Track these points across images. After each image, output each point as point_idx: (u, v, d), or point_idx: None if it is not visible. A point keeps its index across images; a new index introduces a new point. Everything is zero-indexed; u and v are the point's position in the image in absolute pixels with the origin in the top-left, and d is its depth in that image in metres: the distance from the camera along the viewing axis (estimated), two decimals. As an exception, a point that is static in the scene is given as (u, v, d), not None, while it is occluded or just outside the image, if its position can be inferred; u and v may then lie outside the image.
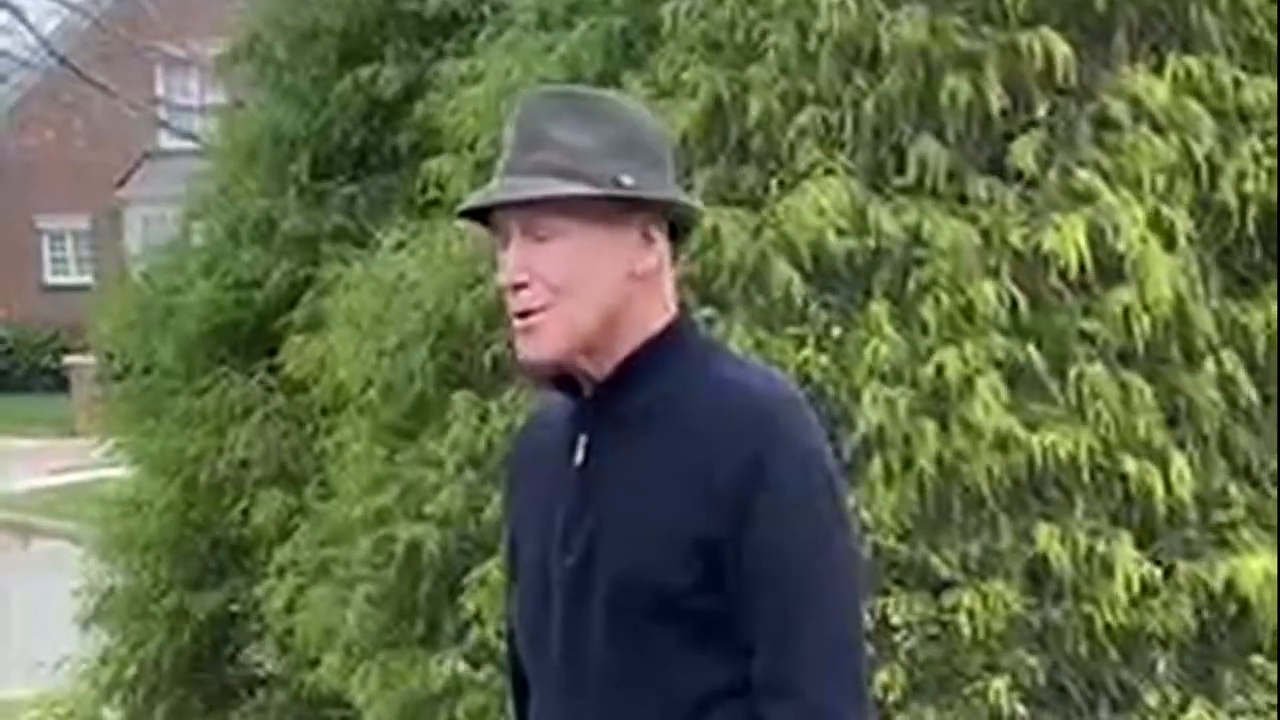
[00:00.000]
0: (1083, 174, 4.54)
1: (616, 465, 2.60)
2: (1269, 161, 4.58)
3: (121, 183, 34.45)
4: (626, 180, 2.55)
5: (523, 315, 2.57)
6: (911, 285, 4.53)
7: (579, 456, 2.62)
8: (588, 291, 2.55)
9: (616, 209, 2.56)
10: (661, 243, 2.60)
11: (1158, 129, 4.57)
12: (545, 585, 2.64)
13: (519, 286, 2.55)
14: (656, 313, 2.61)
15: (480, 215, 2.64)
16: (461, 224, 5.16)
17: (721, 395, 2.58)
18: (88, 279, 32.32)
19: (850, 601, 2.60)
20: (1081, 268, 4.46)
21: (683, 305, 2.68)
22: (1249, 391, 4.50)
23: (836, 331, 4.53)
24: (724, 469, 2.52)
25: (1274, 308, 4.55)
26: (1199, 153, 4.55)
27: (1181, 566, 4.40)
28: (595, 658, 2.59)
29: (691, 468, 2.54)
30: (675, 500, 2.54)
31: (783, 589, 2.53)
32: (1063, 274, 4.48)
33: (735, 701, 2.56)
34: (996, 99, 4.58)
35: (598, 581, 2.57)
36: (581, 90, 2.74)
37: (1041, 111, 4.62)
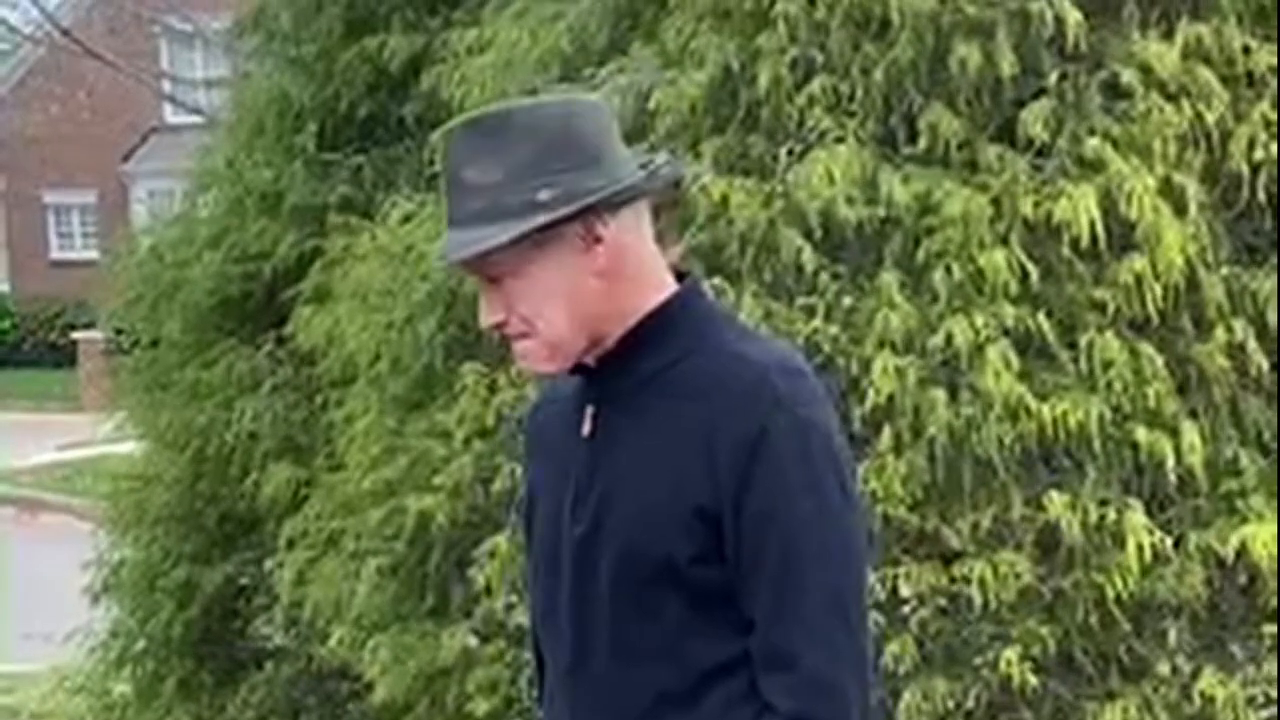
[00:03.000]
0: (1093, 142, 4.52)
1: (621, 436, 2.63)
2: (1278, 128, 4.56)
3: (127, 157, 34.45)
4: (543, 197, 2.56)
5: (511, 342, 2.66)
6: (922, 254, 4.52)
7: (586, 428, 2.66)
8: (556, 311, 2.60)
9: (546, 232, 2.58)
10: (613, 232, 2.60)
11: (1168, 96, 4.55)
12: (556, 556, 2.67)
13: (498, 326, 2.64)
14: (646, 292, 2.63)
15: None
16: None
17: (721, 364, 2.60)
18: (94, 254, 32.32)
19: (852, 573, 2.59)
20: (1092, 236, 4.44)
21: (684, 275, 2.68)
22: (1260, 360, 4.49)
23: (846, 301, 4.52)
24: (724, 438, 2.53)
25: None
26: (1210, 120, 4.53)
27: (1192, 535, 4.39)
28: (602, 627, 2.61)
29: (692, 436, 2.56)
30: (678, 469, 2.56)
31: (781, 559, 2.53)
32: (1073, 242, 4.46)
33: (742, 672, 2.56)
34: (1007, 66, 4.56)
35: (604, 550, 2.60)
36: (492, 111, 2.72)
37: (1052, 79, 4.60)
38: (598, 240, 2.60)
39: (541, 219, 2.56)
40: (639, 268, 2.63)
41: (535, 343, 2.62)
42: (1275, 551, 4.33)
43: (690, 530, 2.54)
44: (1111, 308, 4.46)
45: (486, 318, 2.65)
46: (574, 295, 2.60)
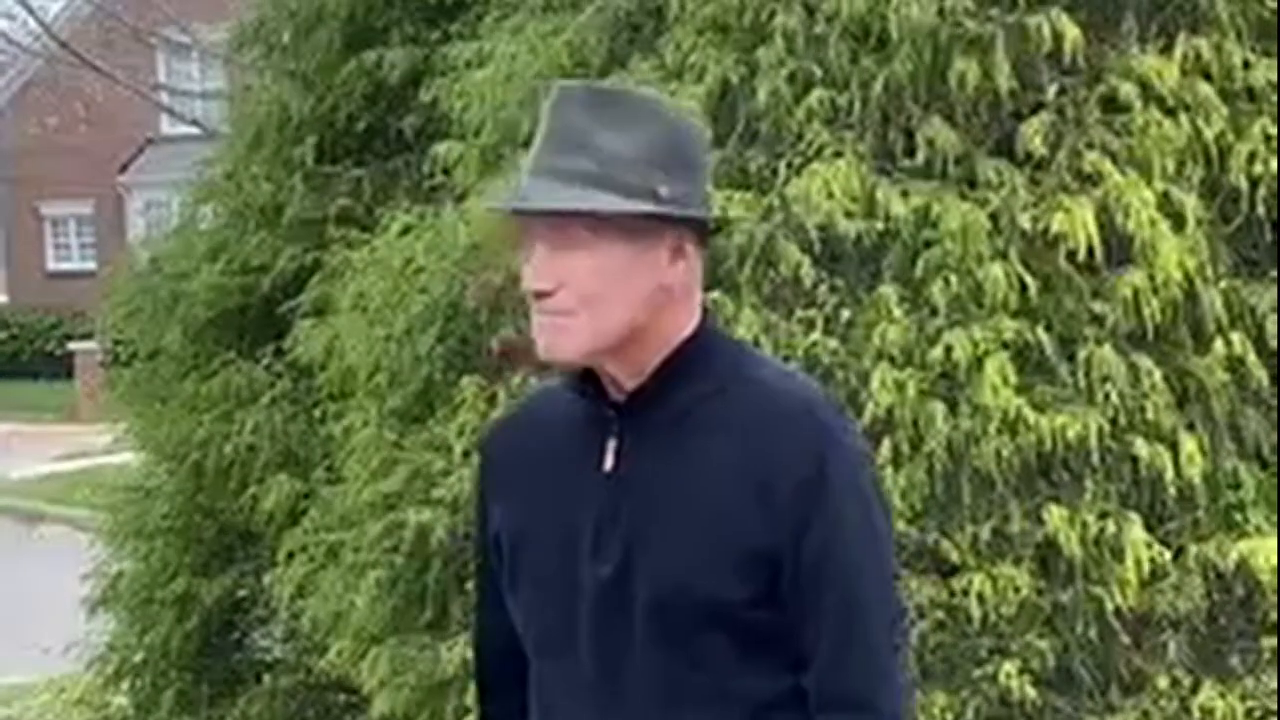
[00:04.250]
0: (1092, 156, 4.53)
1: (653, 472, 2.53)
2: (1277, 143, 4.56)
3: (124, 168, 34.46)
4: (663, 192, 2.50)
5: (543, 314, 2.52)
6: (920, 268, 4.52)
7: (608, 462, 2.55)
8: (614, 304, 2.50)
9: (648, 222, 2.50)
10: (693, 256, 2.55)
11: (1167, 111, 4.56)
12: (570, 595, 2.56)
13: (542, 295, 2.51)
14: (684, 319, 2.57)
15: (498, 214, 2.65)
16: (476, 207, 5.16)
17: (763, 399, 2.54)
18: (91, 265, 32.36)
19: (898, 605, 2.60)
20: (1090, 250, 4.45)
21: (706, 307, 2.64)
22: (1259, 373, 4.49)
23: (845, 314, 4.52)
24: (785, 477, 2.48)
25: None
26: (1208, 134, 4.54)
27: (1191, 549, 4.39)
28: (635, 669, 2.52)
29: (746, 475, 2.49)
30: (729, 508, 2.49)
31: (844, 598, 2.50)
32: (1071, 256, 4.47)
33: (791, 708, 2.52)
34: (1005, 81, 4.57)
35: (638, 592, 2.51)
36: (623, 89, 2.67)
37: (1050, 93, 4.61)
38: (681, 255, 2.54)
39: (655, 208, 2.49)
40: (689, 296, 2.57)
41: (577, 323, 2.50)
42: (1275, 565, 4.34)
43: (745, 573, 2.48)
44: (1110, 321, 4.46)
45: (534, 281, 2.51)
46: (638, 296, 2.51)
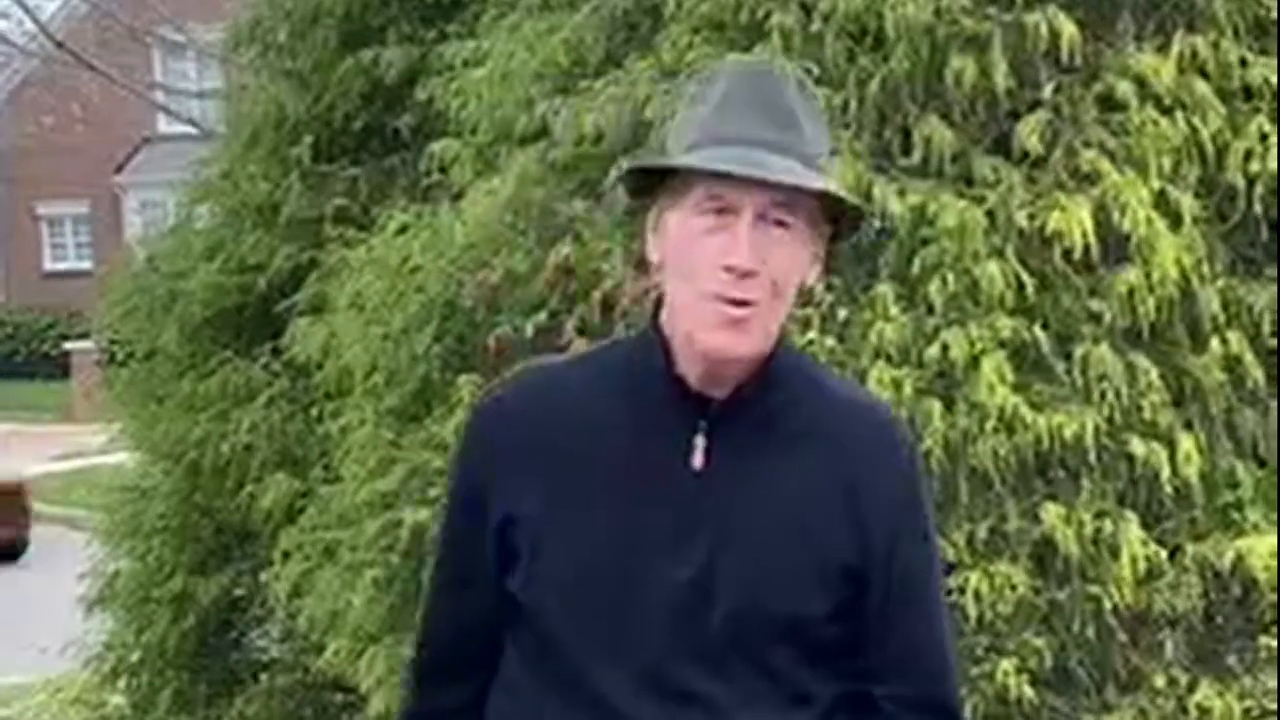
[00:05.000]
0: (1088, 154, 4.53)
1: (741, 475, 2.46)
2: (1275, 141, 4.56)
3: (120, 168, 34.46)
4: (832, 185, 2.44)
5: (737, 304, 2.39)
6: (917, 266, 4.52)
7: (697, 459, 2.45)
8: (788, 295, 2.43)
9: (821, 217, 2.43)
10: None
11: (1164, 109, 4.56)
12: (630, 593, 2.44)
13: (749, 274, 2.38)
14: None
15: (663, 172, 2.45)
16: (472, 205, 5.16)
17: (857, 416, 2.52)
18: (87, 265, 32.34)
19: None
20: (1087, 248, 4.45)
21: None
22: (1255, 372, 4.49)
23: (842, 313, 4.52)
24: (878, 494, 2.46)
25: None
26: (1205, 133, 4.54)
27: (1188, 547, 4.39)
28: (701, 675, 2.43)
29: (830, 490, 2.45)
30: (818, 523, 2.45)
31: (924, 613, 2.52)
32: (1068, 254, 4.47)
33: (845, 710, 2.51)
34: (1002, 79, 4.57)
35: (718, 596, 2.42)
36: (802, 77, 2.57)
37: (1047, 91, 4.61)
38: (818, 258, 2.48)
39: (852, 199, 2.45)
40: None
41: (760, 313, 2.38)
42: (1272, 564, 4.34)
43: (830, 588, 2.45)
44: (1107, 319, 4.46)
45: (746, 261, 2.35)
46: (795, 291, 2.44)
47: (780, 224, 2.39)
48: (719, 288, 2.38)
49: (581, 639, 2.46)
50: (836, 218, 2.47)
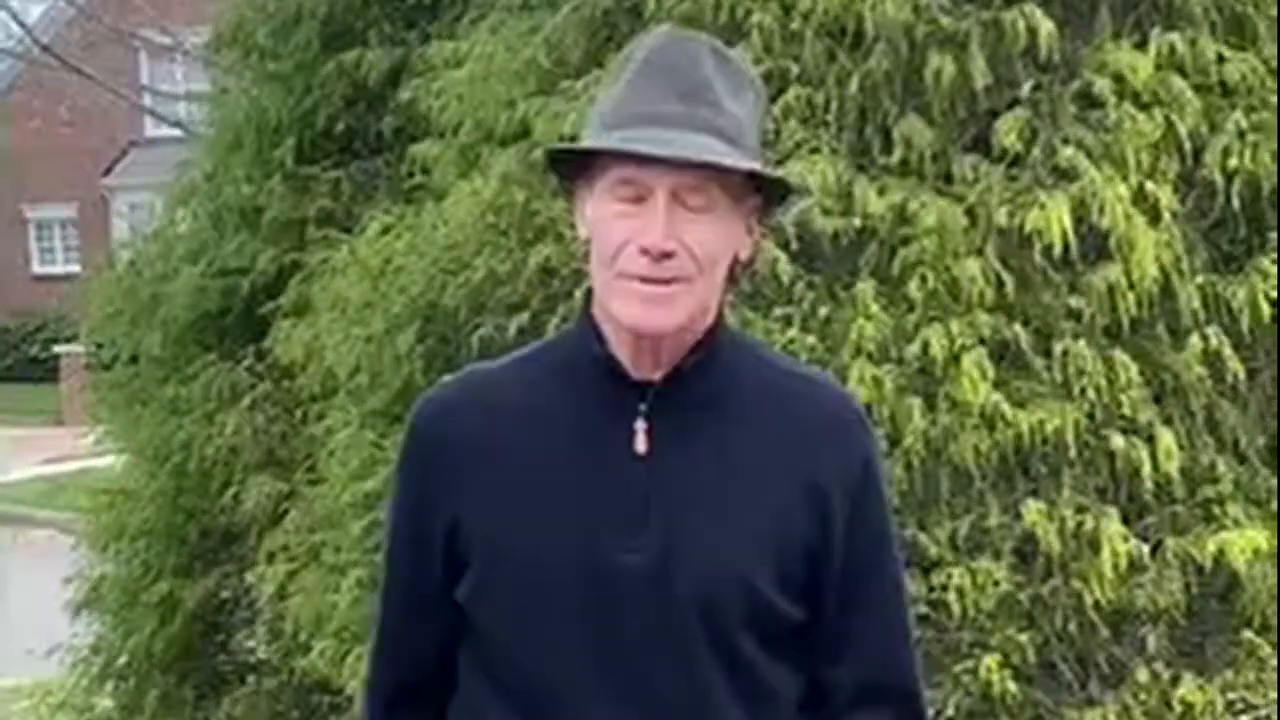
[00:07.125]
0: (1067, 151, 4.54)
1: (687, 458, 2.41)
2: (1253, 137, 4.57)
3: (107, 171, 34.41)
4: (759, 164, 2.40)
5: (657, 282, 2.35)
6: (897, 264, 4.53)
7: (640, 444, 2.40)
8: (716, 272, 2.38)
9: (746, 190, 2.39)
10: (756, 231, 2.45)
11: (1142, 105, 4.57)
12: (586, 584, 2.38)
13: (666, 255, 2.33)
14: (722, 301, 2.45)
15: (575, 155, 2.41)
16: (454, 206, 5.16)
17: (806, 389, 2.48)
18: (75, 268, 32.27)
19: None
20: (1066, 245, 4.46)
21: None
22: (1235, 367, 4.50)
23: (823, 311, 4.53)
24: (835, 474, 2.43)
25: (1258, 283, 4.54)
26: (1183, 129, 4.55)
27: (1169, 542, 4.40)
28: (666, 666, 2.39)
29: (793, 472, 2.42)
30: (776, 505, 2.41)
31: (884, 596, 2.50)
32: (1047, 251, 4.48)
33: (806, 712, 2.48)
34: (980, 77, 4.58)
35: (676, 581, 2.38)
36: (721, 46, 2.46)
37: (1025, 89, 4.62)
38: (751, 230, 2.43)
39: (770, 172, 2.41)
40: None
41: (684, 290, 2.34)
42: (1252, 557, 4.35)
43: (790, 569, 2.41)
44: (1086, 316, 4.48)
45: (661, 243, 2.31)
46: (725, 267, 2.39)
47: (698, 202, 2.34)
48: (637, 269, 2.35)
49: (538, 644, 2.41)
50: (762, 188, 2.43)
